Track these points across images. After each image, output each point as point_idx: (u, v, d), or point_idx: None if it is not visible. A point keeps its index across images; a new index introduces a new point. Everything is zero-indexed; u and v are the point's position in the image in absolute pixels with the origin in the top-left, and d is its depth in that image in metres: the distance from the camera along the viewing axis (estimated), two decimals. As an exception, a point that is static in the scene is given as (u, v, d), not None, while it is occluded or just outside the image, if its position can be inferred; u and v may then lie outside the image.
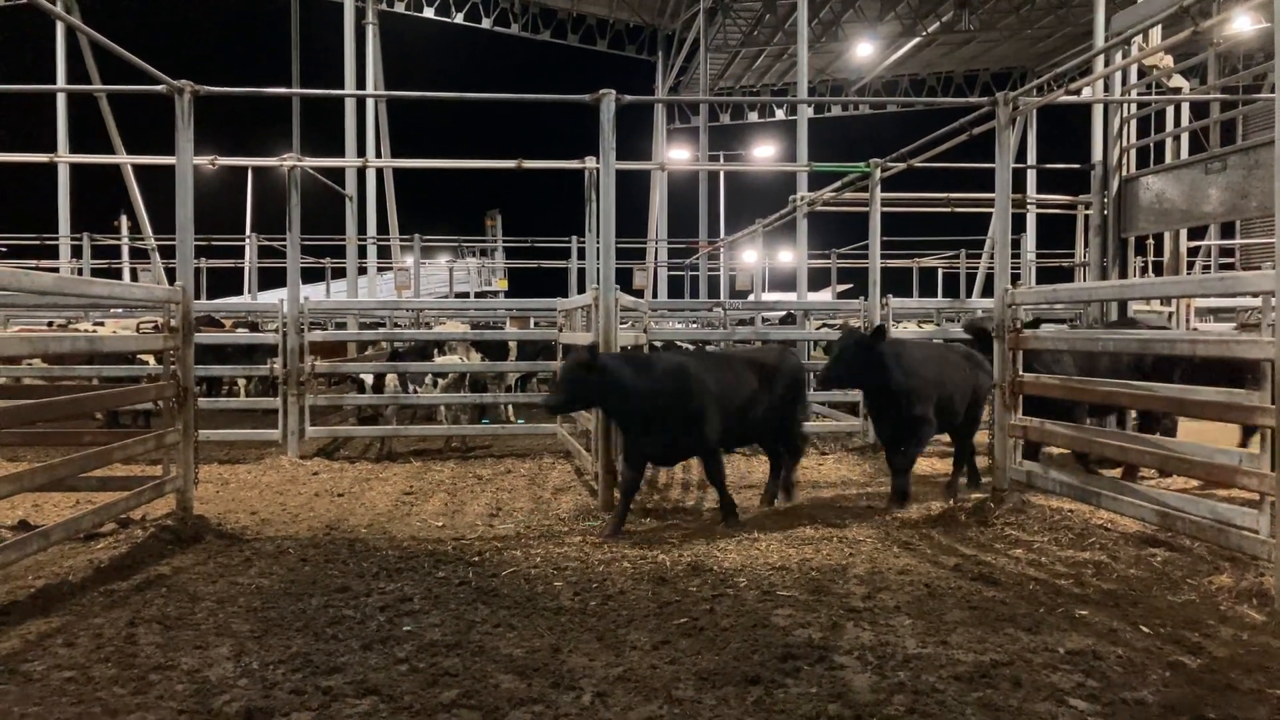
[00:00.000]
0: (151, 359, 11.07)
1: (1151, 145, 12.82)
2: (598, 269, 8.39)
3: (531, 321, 17.11)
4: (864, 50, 30.43)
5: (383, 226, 26.78)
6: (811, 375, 10.11)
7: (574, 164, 11.17)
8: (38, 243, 24.11)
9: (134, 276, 24.65)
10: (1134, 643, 4.50)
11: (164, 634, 4.61)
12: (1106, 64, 11.92)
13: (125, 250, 26.38)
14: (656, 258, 29.32)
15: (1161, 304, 13.65)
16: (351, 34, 25.48)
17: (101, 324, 13.91)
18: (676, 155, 33.58)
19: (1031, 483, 7.24)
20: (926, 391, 7.69)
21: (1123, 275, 12.44)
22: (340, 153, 23.31)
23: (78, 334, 10.10)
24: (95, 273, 23.25)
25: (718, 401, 7.05)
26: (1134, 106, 12.57)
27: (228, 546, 6.40)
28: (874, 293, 11.64)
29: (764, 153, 33.25)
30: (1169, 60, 12.32)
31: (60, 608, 4.99)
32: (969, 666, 4.19)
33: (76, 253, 23.47)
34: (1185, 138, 12.88)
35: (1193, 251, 19.09)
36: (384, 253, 27.56)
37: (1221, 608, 5.02)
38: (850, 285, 25.85)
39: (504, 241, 30.07)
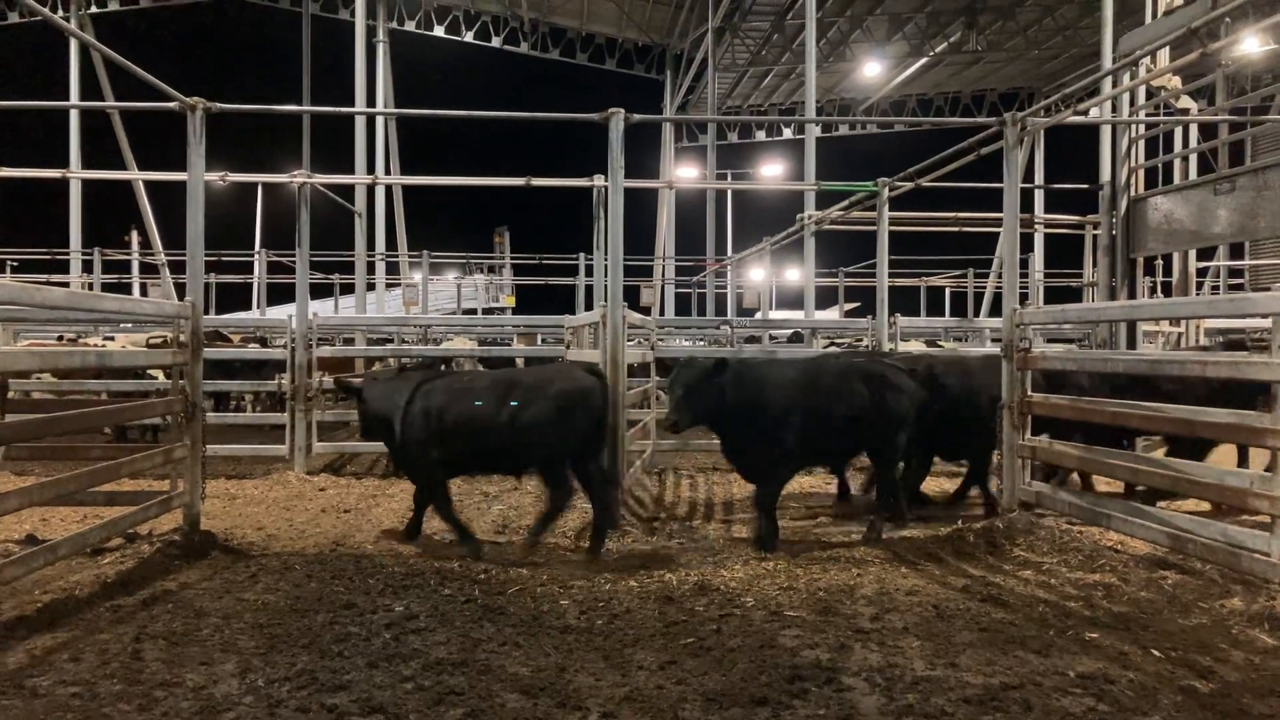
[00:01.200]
0: (160, 374, 11.11)
1: (1160, 166, 12.83)
2: (605, 286, 8.40)
3: (539, 338, 17.13)
4: (872, 70, 30.53)
5: (391, 243, 26.90)
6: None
7: (582, 182, 11.22)
8: (49, 257, 24.26)
9: (144, 291, 24.79)
10: (1145, 666, 4.46)
11: (169, 650, 4.60)
12: (1115, 85, 11.94)
13: (135, 265, 26.52)
14: (664, 275, 29.35)
15: (1170, 324, 13.63)
16: (362, 52, 25.66)
17: (112, 339, 13.96)
18: (684, 174, 33.67)
19: (1040, 503, 7.20)
20: (783, 421, 6.97)
21: (1131, 296, 12.41)
22: (350, 170, 23.43)
23: (87, 349, 10.13)
24: (106, 287, 23.39)
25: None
26: (1142, 127, 12.58)
27: (234, 562, 6.39)
28: (881, 311, 11.64)
29: (772, 171, 33.34)
30: (1177, 81, 12.35)
31: (66, 623, 4.98)
32: (978, 689, 4.15)
33: (87, 268, 23.60)
34: (1194, 158, 12.89)
35: (1201, 272, 19.07)
36: (392, 269, 27.67)
37: (1233, 631, 4.97)
38: (858, 304, 25.82)
39: (512, 258, 30.15)
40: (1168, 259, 16.62)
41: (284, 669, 4.34)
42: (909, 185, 11.55)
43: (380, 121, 26.25)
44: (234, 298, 27.68)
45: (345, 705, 3.94)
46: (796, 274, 26.56)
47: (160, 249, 24.73)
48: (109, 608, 5.26)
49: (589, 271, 18.55)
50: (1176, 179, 12.73)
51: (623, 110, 7.88)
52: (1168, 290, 17.88)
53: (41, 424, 6.19)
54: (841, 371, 7.49)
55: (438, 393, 6.93)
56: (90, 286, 22.30)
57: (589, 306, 17.68)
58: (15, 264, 24.42)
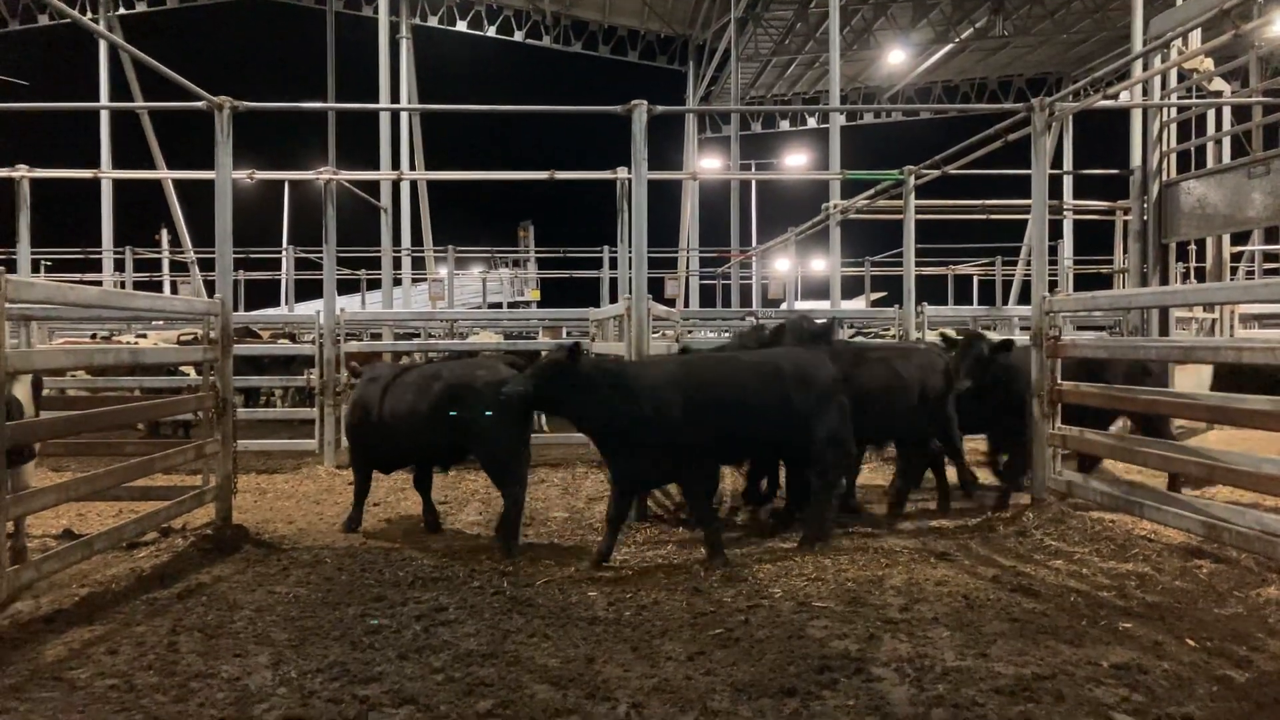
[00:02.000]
0: (191, 370, 11.25)
1: (1192, 149, 12.62)
2: (630, 279, 8.40)
3: (564, 332, 17.15)
4: (896, 57, 30.22)
5: (417, 238, 27.07)
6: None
7: (606, 174, 11.21)
8: (82, 257, 24.61)
9: (174, 289, 25.10)
10: (1180, 656, 4.40)
11: (204, 642, 4.66)
12: (1145, 68, 11.75)
13: (166, 263, 26.86)
14: (688, 267, 29.29)
15: (1204, 310, 13.43)
16: (386, 49, 25.81)
17: (144, 336, 14.15)
18: (708, 164, 33.55)
19: (1071, 492, 7.13)
20: (657, 421, 6.09)
21: (1164, 282, 12.23)
22: (375, 166, 23.59)
23: (120, 346, 10.28)
24: (137, 286, 23.68)
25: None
26: (1174, 110, 12.37)
27: (266, 555, 6.47)
28: (908, 301, 11.56)
29: (796, 161, 33.12)
30: (1209, 63, 12.13)
31: (103, 616, 5.07)
32: (1009, 680, 4.12)
33: (119, 266, 23.93)
34: (1227, 142, 12.66)
35: (1235, 257, 18.76)
36: (418, 264, 27.82)
37: (1269, 621, 4.90)
38: (884, 293, 25.63)
39: (536, 252, 30.21)
40: (1201, 244, 16.35)
41: (316, 660, 4.39)
42: (935, 173, 11.45)
43: (404, 117, 26.40)
44: (263, 294, 27.96)
45: (377, 696, 3.98)
46: (822, 264, 26.39)
47: (190, 247, 25.05)
48: (145, 601, 5.35)
49: (613, 264, 18.55)
50: (1209, 163, 12.51)
51: (645, 102, 7.87)
52: (1201, 276, 17.60)
53: (77, 421, 6.29)
54: (768, 367, 6.61)
55: (376, 385, 7.21)
56: (122, 285, 22.60)
57: (613, 299, 17.68)
58: (49, 264, 24.79)
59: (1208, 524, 5.72)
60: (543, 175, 11.48)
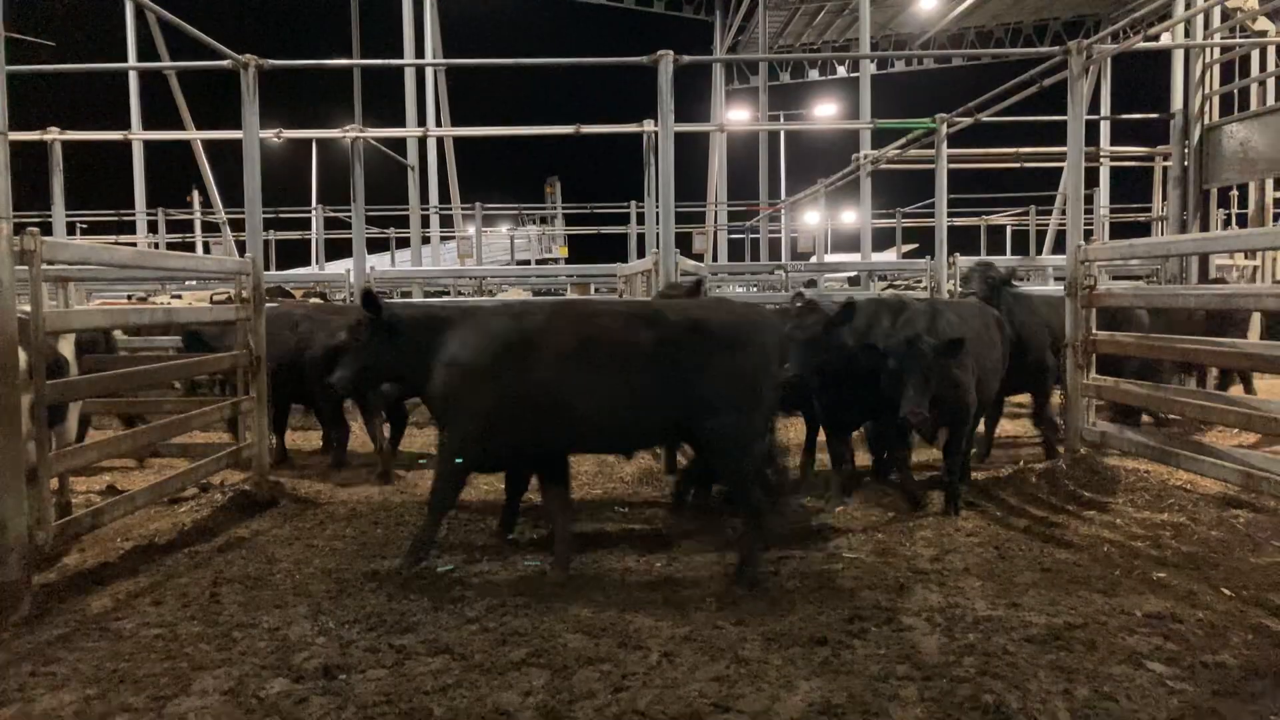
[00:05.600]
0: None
1: (1236, 92, 12.25)
2: (657, 234, 8.35)
3: (592, 288, 17.14)
4: (928, 3, 29.47)
5: (444, 196, 26.97)
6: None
7: (632, 128, 11.10)
8: (116, 219, 24.84)
9: (207, 250, 25.31)
10: (1215, 605, 4.38)
11: (245, 593, 4.77)
12: (1187, 7, 11.39)
13: (198, 224, 27.06)
14: (716, 221, 29.05)
15: (1245, 258, 13.13)
16: (410, 4, 25.55)
17: (179, 297, 14.32)
18: (736, 116, 33.10)
19: (1106, 443, 7.06)
20: (469, 387, 4.97)
21: (1204, 229, 11.96)
22: (401, 123, 23.49)
23: (155, 307, 10.41)
24: (170, 246, 23.90)
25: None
26: (1216, 51, 12.00)
27: (302, 510, 6.59)
28: (940, 252, 11.41)
29: (825, 111, 32.57)
30: (1254, 2, 11.73)
31: (148, 568, 5.20)
32: (1041, 629, 4.12)
33: (152, 228, 24.14)
34: (1271, 83, 12.30)
35: (1278, 202, 18.29)
36: (446, 222, 27.78)
37: (1308, 570, 4.85)
38: (916, 245, 25.28)
39: (564, 208, 30.08)
40: (1243, 190, 15.95)
41: (353, 611, 4.48)
42: (968, 121, 11.22)
43: (430, 74, 26.20)
44: (294, 254, 28.12)
45: (413, 646, 4.06)
46: (852, 216, 26.08)
47: (221, 208, 25.17)
48: (187, 554, 5.48)
49: (640, 219, 18.44)
50: (1253, 105, 12.15)
51: (671, 52, 7.76)
52: (1243, 222, 17.19)
53: (115, 380, 6.40)
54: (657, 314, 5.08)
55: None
56: (156, 246, 22.81)
57: (641, 254, 17.61)
58: (85, 226, 25.06)
59: (1245, 473, 5.64)
60: (569, 129, 11.38)
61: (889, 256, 24.95)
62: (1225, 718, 3.33)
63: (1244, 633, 4.06)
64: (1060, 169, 17.24)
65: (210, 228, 26.67)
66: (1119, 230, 23.60)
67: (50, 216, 13.09)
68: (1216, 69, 11.93)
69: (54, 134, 12.28)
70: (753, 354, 4.94)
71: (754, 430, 4.96)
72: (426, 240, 24.95)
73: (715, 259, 25.85)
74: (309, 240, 25.77)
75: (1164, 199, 14.16)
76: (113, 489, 7.07)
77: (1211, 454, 6.14)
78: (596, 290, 16.77)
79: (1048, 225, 21.42)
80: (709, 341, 4.89)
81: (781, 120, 31.16)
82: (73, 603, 4.63)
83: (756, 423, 5.00)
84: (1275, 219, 13.60)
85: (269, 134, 11.10)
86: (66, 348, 5.89)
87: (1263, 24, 12.70)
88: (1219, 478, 6.00)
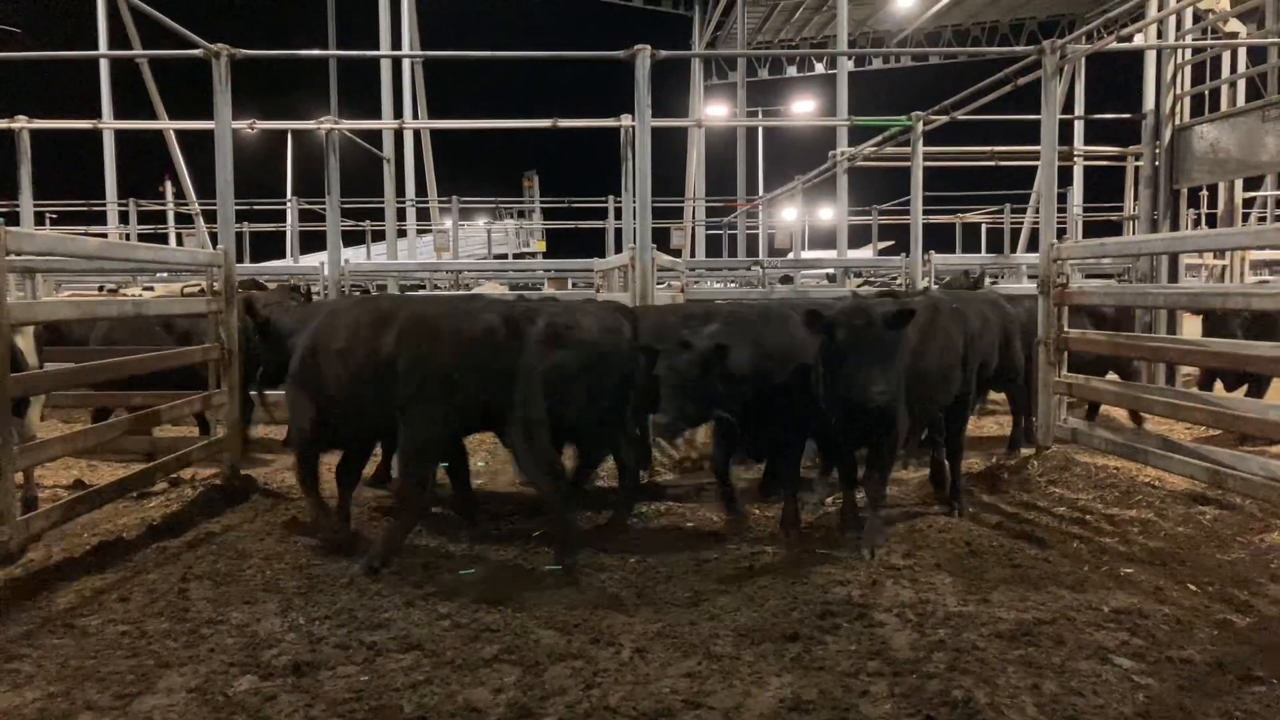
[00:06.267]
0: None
1: (1207, 93, 12.38)
2: (634, 229, 8.34)
3: (569, 283, 17.11)
4: (905, 1, 29.63)
5: (421, 189, 26.80)
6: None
7: (610, 122, 11.09)
8: (86, 209, 24.49)
9: (179, 242, 24.99)
10: (1181, 601, 4.43)
11: (214, 589, 4.72)
12: (1160, 8, 11.50)
13: (171, 215, 26.72)
14: (694, 216, 29.06)
15: (1215, 257, 13.29)
16: (387, -5, 25.33)
17: (151, 289, 14.14)
18: (714, 112, 33.09)
19: (1077, 439, 7.13)
20: (309, 374, 5.24)
21: (1174, 228, 12.10)
22: (377, 115, 23.30)
23: (124, 299, 10.26)
24: (142, 238, 23.57)
25: None
26: (1188, 52, 12.12)
27: (274, 505, 6.52)
28: (916, 249, 11.47)
29: (803, 108, 32.66)
30: (1225, 3, 11.86)
31: (115, 564, 5.13)
32: (1011, 624, 4.16)
33: (124, 219, 23.80)
34: (1242, 84, 12.43)
35: (1248, 203, 18.52)
36: (423, 215, 27.61)
37: (1272, 566, 4.93)
38: (892, 242, 25.40)
39: (541, 202, 29.97)
40: (1213, 190, 16.14)
41: (324, 607, 4.44)
42: (944, 119, 11.28)
43: (406, 65, 25.99)
44: (268, 246, 27.83)
45: (384, 642, 4.03)
46: (829, 213, 26.19)
47: (194, 199, 24.87)
48: (156, 549, 5.41)
49: (618, 214, 18.42)
50: (1224, 106, 12.29)
51: (649, 47, 7.74)
52: (1212, 222, 17.41)
53: (81, 373, 6.31)
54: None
55: None
56: (127, 237, 22.49)
57: (619, 249, 17.59)
58: (54, 216, 24.68)
59: (1212, 470, 5.72)
60: (546, 123, 11.35)
61: (865, 253, 25.07)
62: (1190, 712, 3.37)
63: (1210, 628, 4.11)
64: (1035, 168, 17.36)
65: (184, 219, 26.36)
66: (1092, 229, 23.82)
67: (18, 206, 12.87)
68: (1188, 70, 12.05)
69: (21, 122, 12.07)
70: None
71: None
72: (403, 234, 24.77)
73: (693, 255, 25.84)
74: (284, 233, 25.54)
75: (1135, 199, 14.30)
76: (80, 483, 6.98)
77: (1179, 451, 6.22)
78: (573, 285, 16.73)
79: (1022, 223, 21.61)
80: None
81: (759, 116, 31.22)
82: (37, 599, 4.56)
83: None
84: (1244, 219, 13.77)
85: (242, 125, 10.98)
86: (24, 340, 5.77)
87: (1234, 26, 12.84)
88: (1186, 474, 6.07)
